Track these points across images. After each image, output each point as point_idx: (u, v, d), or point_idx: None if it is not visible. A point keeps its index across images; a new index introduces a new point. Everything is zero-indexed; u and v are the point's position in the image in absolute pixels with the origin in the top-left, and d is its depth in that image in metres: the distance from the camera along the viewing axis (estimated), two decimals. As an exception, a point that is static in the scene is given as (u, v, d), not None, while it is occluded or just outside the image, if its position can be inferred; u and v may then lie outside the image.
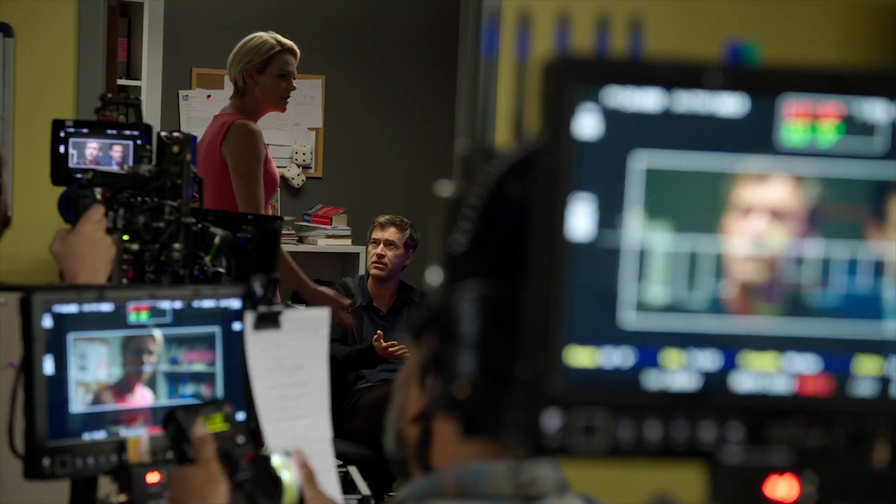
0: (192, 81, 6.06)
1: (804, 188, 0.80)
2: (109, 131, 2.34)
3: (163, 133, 2.06)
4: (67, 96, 3.84)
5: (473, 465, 1.22)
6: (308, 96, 6.22)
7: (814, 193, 0.80)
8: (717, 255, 0.80)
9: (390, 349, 4.39)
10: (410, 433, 1.29)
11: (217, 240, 2.01)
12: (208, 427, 1.49)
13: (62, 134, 2.36)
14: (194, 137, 2.08)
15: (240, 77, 3.83)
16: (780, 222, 0.80)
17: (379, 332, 4.46)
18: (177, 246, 1.97)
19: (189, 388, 1.62)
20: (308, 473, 1.55)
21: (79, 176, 2.13)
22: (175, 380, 1.61)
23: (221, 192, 3.72)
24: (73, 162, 2.36)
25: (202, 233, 2.02)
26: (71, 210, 2.10)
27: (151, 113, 5.46)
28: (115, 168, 2.20)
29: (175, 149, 2.02)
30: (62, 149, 2.35)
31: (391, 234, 4.68)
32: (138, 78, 5.49)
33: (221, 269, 2.01)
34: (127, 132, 2.33)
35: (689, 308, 0.80)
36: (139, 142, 2.28)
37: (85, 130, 2.37)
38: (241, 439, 1.52)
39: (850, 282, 0.81)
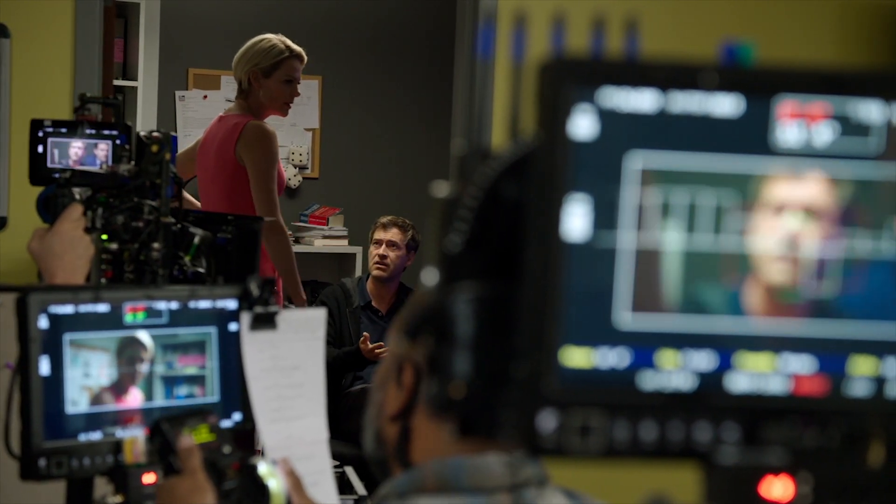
0: (189, 82, 6.05)
1: (816, 184, 0.80)
2: (88, 131, 2.33)
3: (142, 132, 2.06)
4: (64, 97, 3.83)
5: (453, 459, 1.23)
6: (305, 97, 6.22)
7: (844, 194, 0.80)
8: (714, 254, 0.80)
9: (377, 350, 4.39)
10: (390, 432, 1.30)
11: (197, 240, 2.01)
12: (194, 438, 1.49)
13: (40, 134, 2.36)
14: (174, 137, 2.07)
15: (245, 78, 3.84)
16: (814, 221, 0.80)
17: (365, 333, 4.46)
18: (156, 245, 1.97)
19: (183, 390, 1.62)
20: (295, 481, 1.55)
21: (57, 175, 2.13)
22: (171, 382, 1.61)
23: (233, 193, 3.72)
24: (51, 161, 2.35)
25: (182, 233, 2.01)
26: (49, 209, 2.10)
27: (148, 114, 5.46)
28: (93, 167, 2.19)
29: (154, 148, 2.02)
30: (40, 148, 2.35)
31: (393, 234, 4.68)
32: (135, 79, 5.49)
33: (201, 269, 2.01)
34: (106, 132, 2.33)
35: (684, 308, 0.80)
36: (118, 141, 2.28)
37: (63, 130, 2.36)
38: (227, 449, 1.52)
39: (845, 282, 0.81)
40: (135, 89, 5.47)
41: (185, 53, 5.99)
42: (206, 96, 5.98)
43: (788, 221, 0.80)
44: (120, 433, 1.56)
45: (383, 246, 4.66)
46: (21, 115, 3.68)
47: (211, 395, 1.65)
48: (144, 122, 5.40)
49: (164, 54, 5.63)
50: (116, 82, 5.19)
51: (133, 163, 2.05)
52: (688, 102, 0.79)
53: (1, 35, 3.52)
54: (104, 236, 2.01)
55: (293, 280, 3.94)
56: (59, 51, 3.81)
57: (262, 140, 3.72)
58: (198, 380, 1.63)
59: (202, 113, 5.93)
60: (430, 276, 0.89)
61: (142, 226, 1.99)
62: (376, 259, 4.68)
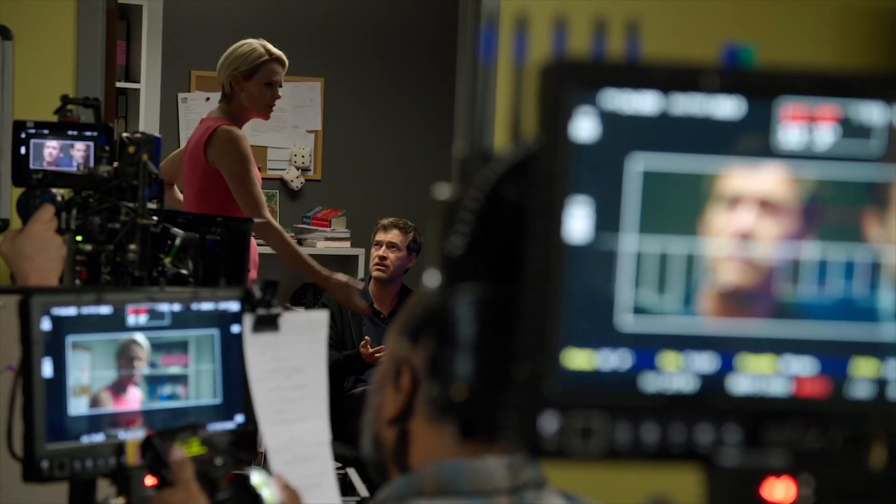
0: (191, 84, 6.06)
1: (799, 188, 0.80)
2: (70, 132, 2.33)
3: (124, 134, 2.06)
4: (66, 99, 3.83)
5: (451, 462, 1.23)
6: (307, 99, 6.23)
7: (809, 194, 0.80)
8: (714, 257, 0.80)
9: (377, 354, 4.40)
10: (387, 436, 1.30)
11: (178, 241, 2.00)
12: (185, 451, 1.49)
13: (23, 135, 2.36)
14: (157, 139, 2.07)
15: (227, 82, 3.91)
16: (772, 222, 0.80)
17: (367, 337, 4.47)
18: (132, 247, 1.96)
19: (167, 390, 1.62)
20: (291, 494, 1.55)
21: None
22: (154, 382, 1.61)
23: (202, 194, 3.81)
24: (32, 163, 2.35)
25: (163, 234, 2.01)
26: (22, 211, 2.10)
27: (150, 116, 5.47)
28: (69, 168, 2.19)
29: (131, 149, 2.01)
30: (23, 150, 2.35)
31: (394, 236, 4.68)
32: (137, 81, 5.49)
33: (184, 271, 2.00)
34: (87, 133, 2.32)
35: (686, 310, 0.80)
36: (99, 142, 2.27)
37: (45, 131, 2.36)
38: (219, 461, 1.52)
39: (847, 284, 0.81)
40: (137, 91, 5.48)
41: (187, 55, 5.99)
42: (208, 98, 5.98)
43: (782, 224, 0.80)
44: (122, 435, 1.56)
45: (383, 247, 4.67)
46: (23, 117, 3.68)
47: (195, 396, 1.64)
48: (147, 123, 5.41)
49: (166, 56, 5.64)
50: (119, 84, 5.19)
51: (114, 164, 2.05)
52: (689, 104, 0.79)
53: (3, 37, 3.53)
54: (79, 237, 2.01)
55: (307, 265, 3.99)
56: (62, 53, 3.81)
57: (231, 144, 3.79)
58: (181, 379, 1.63)
59: (204, 115, 5.93)
60: (431, 279, 0.89)
61: (118, 227, 1.98)
62: (376, 260, 4.68)
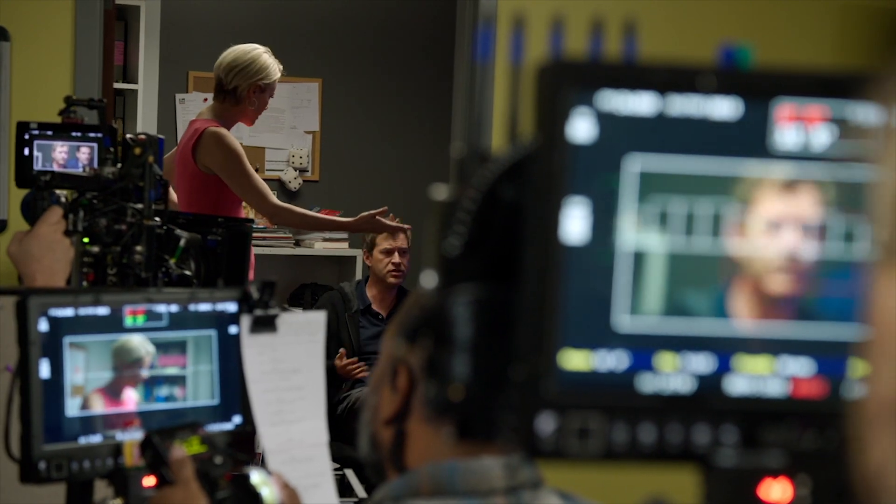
0: (189, 85, 6.06)
1: (809, 192, 0.80)
2: (74, 133, 2.33)
3: (128, 135, 2.06)
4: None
5: (448, 462, 1.23)
6: (305, 99, 6.22)
7: (825, 197, 0.80)
8: (712, 257, 0.80)
9: (349, 367, 4.43)
10: (384, 436, 1.30)
11: (182, 242, 2.00)
12: (185, 449, 1.49)
13: (26, 136, 2.35)
14: (161, 140, 2.07)
15: (245, 88, 3.93)
16: (791, 227, 0.80)
17: (342, 349, 4.47)
18: (138, 248, 1.96)
19: (164, 391, 1.62)
20: (291, 492, 1.55)
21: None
22: (151, 383, 1.61)
23: (192, 198, 3.85)
24: (37, 164, 2.35)
25: (167, 235, 2.01)
26: (29, 212, 2.10)
27: (148, 116, 5.47)
28: (76, 170, 2.19)
29: (137, 151, 2.01)
30: (26, 151, 2.35)
31: (402, 241, 4.70)
32: (135, 81, 5.49)
33: (188, 272, 2.00)
34: (91, 134, 2.32)
35: (682, 311, 0.80)
36: (103, 144, 2.28)
37: (49, 133, 2.36)
38: (218, 460, 1.52)
39: (845, 284, 0.81)
40: (135, 92, 5.48)
41: (185, 56, 5.99)
42: (206, 99, 5.97)
43: (780, 228, 0.80)
44: (120, 436, 1.56)
45: (395, 254, 4.67)
46: (21, 118, 3.68)
47: (192, 397, 1.64)
48: (145, 124, 5.41)
49: (164, 57, 5.64)
50: (117, 85, 5.19)
51: (118, 165, 2.05)
52: (686, 105, 0.79)
53: (1, 38, 3.52)
54: (86, 239, 2.01)
55: (334, 223, 4.29)
56: (60, 54, 3.81)
57: (218, 145, 3.86)
58: (179, 380, 1.63)
59: (201, 116, 5.93)
60: (428, 279, 0.89)
61: (124, 228, 1.98)
62: (391, 267, 4.67)
